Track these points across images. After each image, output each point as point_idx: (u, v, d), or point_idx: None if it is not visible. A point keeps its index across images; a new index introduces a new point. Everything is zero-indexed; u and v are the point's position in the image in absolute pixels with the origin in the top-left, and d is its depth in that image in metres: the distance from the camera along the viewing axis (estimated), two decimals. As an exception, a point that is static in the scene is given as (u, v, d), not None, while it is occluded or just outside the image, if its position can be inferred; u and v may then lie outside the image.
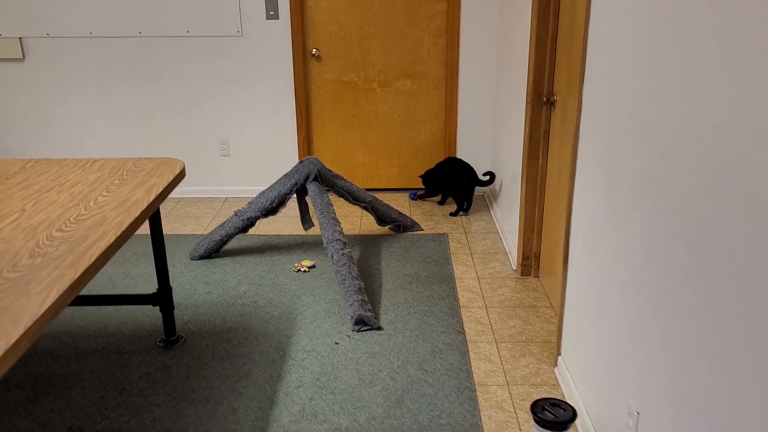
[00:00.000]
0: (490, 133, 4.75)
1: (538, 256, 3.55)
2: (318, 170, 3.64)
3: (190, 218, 4.51)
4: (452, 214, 4.49)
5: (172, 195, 4.94)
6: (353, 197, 3.86)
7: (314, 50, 4.63)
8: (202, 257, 3.81)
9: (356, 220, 4.44)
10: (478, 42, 4.55)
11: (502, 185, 4.33)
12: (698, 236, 1.48)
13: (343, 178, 3.84)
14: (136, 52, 4.59)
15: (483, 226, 4.32)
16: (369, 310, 3.11)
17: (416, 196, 4.79)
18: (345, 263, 3.24)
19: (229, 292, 3.43)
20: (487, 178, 4.48)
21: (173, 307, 2.95)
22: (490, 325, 3.11)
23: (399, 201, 4.80)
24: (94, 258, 1.91)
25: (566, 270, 2.64)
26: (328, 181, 3.72)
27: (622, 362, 2.00)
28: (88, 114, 4.75)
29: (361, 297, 3.13)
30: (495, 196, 4.59)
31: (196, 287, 3.50)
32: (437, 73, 4.69)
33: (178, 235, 4.19)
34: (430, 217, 4.47)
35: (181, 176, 2.71)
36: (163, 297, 2.92)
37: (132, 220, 2.19)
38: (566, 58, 2.98)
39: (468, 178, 4.42)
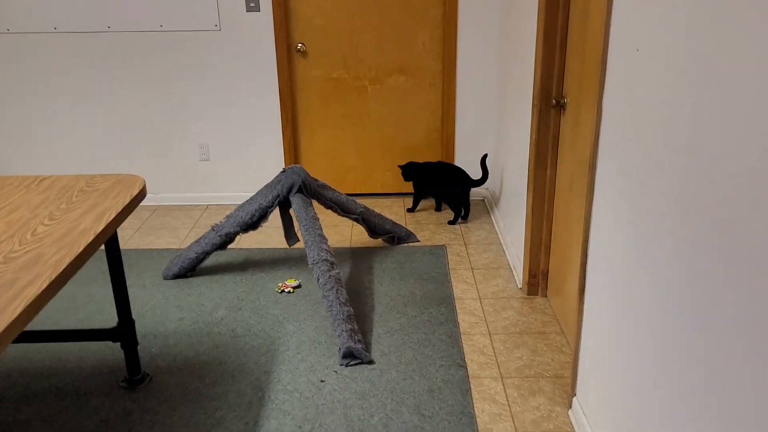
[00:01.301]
0: (491, 134, 4.40)
1: (546, 274, 3.21)
2: (302, 180, 3.29)
3: (166, 230, 4.16)
4: (451, 223, 4.15)
5: (147, 203, 4.58)
6: (342, 209, 3.52)
7: (299, 45, 4.26)
8: (176, 276, 3.47)
9: (346, 231, 4.09)
10: (477, 34, 4.19)
11: (502, 189, 3.99)
12: (744, 260, 1.15)
13: (330, 188, 3.50)
14: (105, 49, 4.22)
15: (484, 236, 3.98)
16: (359, 341, 2.78)
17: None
18: (332, 287, 2.89)
19: (205, 318, 3.09)
20: (482, 175, 4.12)
21: (137, 343, 2.61)
22: (495, 356, 2.78)
23: (393, 208, 4.45)
24: (18, 312, 1.57)
25: (583, 298, 2.31)
26: (313, 192, 3.37)
27: (648, 407, 1.67)
28: (52, 117, 4.38)
29: (350, 326, 2.80)
30: (495, 200, 4.25)
31: (167, 312, 3.15)
32: (433, 68, 4.34)
33: (151, 250, 3.84)
34: (426, 227, 4.12)
35: (140, 197, 2.36)
36: (124, 332, 2.57)
37: (73, 257, 1.84)
38: (579, 57, 2.63)
39: (462, 183, 4.07)
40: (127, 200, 2.26)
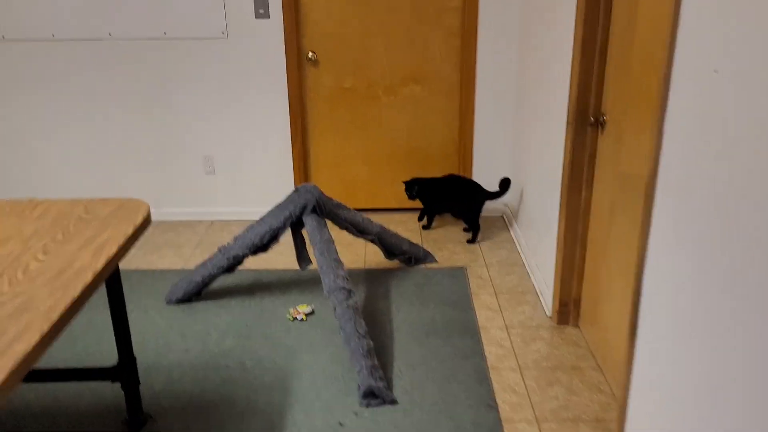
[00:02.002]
0: (511, 145, 4.19)
1: (579, 302, 3.00)
2: (317, 200, 3.07)
3: (170, 247, 3.94)
4: (470, 242, 3.93)
5: (152, 217, 4.35)
6: (358, 229, 3.30)
7: (310, 53, 4.05)
8: (180, 301, 3.25)
9: (359, 250, 3.87)
10: (499, 42, 3.97)
11: (524, 206, 3.78)
12: None
13: (345, 207, 3.28)
14: (105, 57, 4.00)
15: (505, 256, 3.76)
16: (380, 378, 2.56)
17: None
18: (350, 318, 2.68)
19: (211, 349, 2.87)
20: (499, 190, 3.90)
21: (138, 383, 2.39)
22: (528, 395, 2.56)
23: (407, 224, 4.23)
24: (4, 374, 1.35)
25: (634, 337, 2.09)
26: (328, 212, 3.15)
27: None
28: (49, 129, 4.17)
29: (370, 362, 2.58)
30: (515, 216, 4.04)
31: (171, 342, 2.93)
32: (450, 77, 4.12)
33: (154, 271, 3.62)
34: (444, 246, 3.90)
35: (144, 225, 2.14)
36: (125, 372, 2.35)
37: (68, 303, 1.62)
38: (622, 72, 2.41)
39: (477, 196, 3.85)
40: (130, 230, 2.04)
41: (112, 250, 1.91)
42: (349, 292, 2.79)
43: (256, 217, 4.34)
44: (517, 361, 2.77)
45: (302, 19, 3.99)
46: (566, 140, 2.80)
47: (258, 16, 3.92)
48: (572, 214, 2.86)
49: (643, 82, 2.21)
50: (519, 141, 3.95)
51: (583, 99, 2.68)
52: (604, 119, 2.61)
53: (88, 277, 1.75)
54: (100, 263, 1.83)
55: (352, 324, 2.66)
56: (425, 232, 4.09)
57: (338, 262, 2.91)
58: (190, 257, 3.80)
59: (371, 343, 2.66)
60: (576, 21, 2.64)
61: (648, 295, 1.97)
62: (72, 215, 2.16)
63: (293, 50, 3.99)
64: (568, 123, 2.77)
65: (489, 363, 2.76)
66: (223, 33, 3.96)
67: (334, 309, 2.73)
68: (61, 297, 1.65)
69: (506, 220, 4.26)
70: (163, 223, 4.31)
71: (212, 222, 4.32)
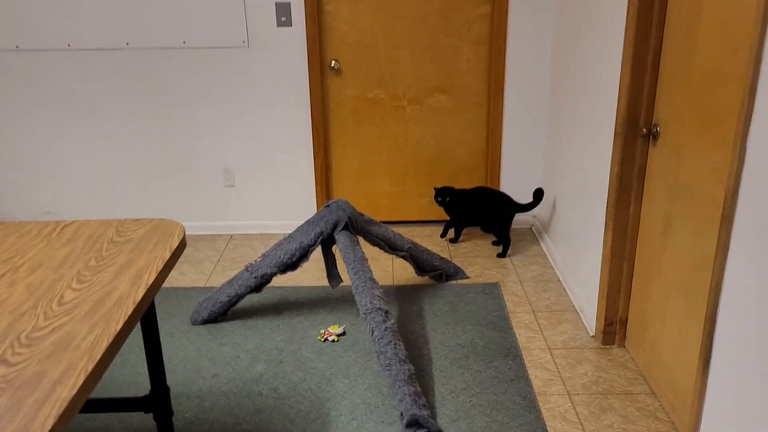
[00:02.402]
0: (541, 156, 4.06)
1: (625, 321, 2.86)
2: (349, 216, 2.94)
3: (190, 264, 3.80)
4: (500, 255, 3.80)
5: (167, 232, 4.22)
6: (390, 245, 3.17)
7: (333, 62, 3.92)
8: (206, 321, 3.11)
9: (386, 264, 3.74)
10: (529, 49, 3.85)
11: (557, 219, 3.65)
12: None
13: (376, 223, 3.15)
14: (122, 67, 3.88)
15: (539, 271, 3.62)
16: (423, 406, 2.42)
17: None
18: (389, 341, 2.54)
19: (242, 375, 2.73)
20: (531, 201, 3.76)
21: (171, 414, 2.25)
22: (581, 423, 2.42)
23: (433, 237, 4.10)
24: (49, 425, 1.22)
25: (707, 369, 1.95)
26: (360, 229, 3.02)
27: None
28: (66, 142, 4.04)
29: (412, 389, 2.44)
30: (545, 227, 3.91)
31: (199, 366, 2.79)
32: (478, 87, 3.99)
33: (176, 289, 3.48)
34: (474, 260, 3.77)
35: (180, 249, 2.01)
36: (157, 402, 2.21)
37: (111, 338, 1.49)
38: (679, 81, 2.28)
39: (510, 206, 3.72)
40: (167, 255, 1.91)
41: (150, 277, 1.77)
42: (387, 313, 2.66)
43: (277, 231, 4.21)
44: (565, 386, 2.63)
45: (325, 27, 3.87)
46: (614, 152, 2.67)
47: (280, 24, 3.80)
48: (620, 229, 2.72)
49: (707, 92, 2.08)
50: (551, 152, 3.82)
51: (634, 109, 2.55)
52: (657, 130, 2.48)
53: (129, 309, 1.62)
54: (140, 292, 1.69)
55: (392, 348, 2.53)
56: (453, 247, 3.96)
57: (373, 281, 2.78)
58: (211, 274, 3.66)
59: (412, 368, 2.52)
60: (626, 26, 2.51)
61: (724, 321, 1.84)
62: (103, 238, 2.03)
63: (316, 59, 3.86)
64: (616, 134, 2.64)
65: (535, 388, 2.63)
66: (244, 42, 3.84)
67: (371, 332, 2.59)
68: (103, 331, 1.52)
69: (536, 232, 4.13)
70: (181, 238, 4.18)
71: (231, 236, 4.19)
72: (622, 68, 2.56)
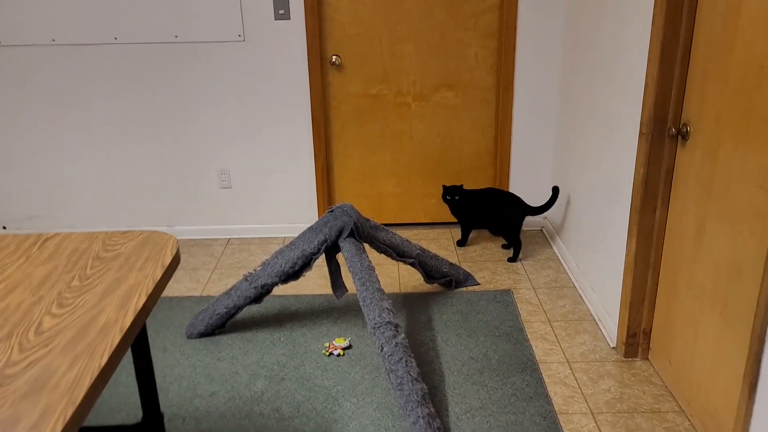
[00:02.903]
0: (552, 156, 3.88)
1: (649, 333, 2.69)
2: (355, 222, 2.76)
3: (185, 271, 3.61)
4: (511, 260, 3.62)
5: (161, 236, 4.03)
6: (397, 252, 2.99)
7: (334, 57, 3.73)
8: (202, 335, 2.93)
9: (392, 271, 3.56)
10: (541, 42, 3.66)
11: (570, 221, 3.48)
12: None
13: (383, 228, 2.97)
14: (111, 63, 3.68)
15: (552, 276, 3.45)
16: (439, 428, 2.24)
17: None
18: (400, 358, 2.36)
19: (241, 393, 2.55)
20: (548, 201, 3.59)
21: (166, 443, 2.07)
22: (607, 446, 2.25)
23: (440, 240, 3.92)
24: (19, 488, 1.04)
25: (752, 397, 1.78)
26: (366, 236, 2.84)
27: None
28: (51, 142, 3.84)
29: (426, 410, 2.26)
30: (557, 230, 3.73)
31: (196, 384, 2.61)
32: (486, 82, 3.81)
33: (170, 299, 3.30)
34: (484, 265, 3.59)
35: (174, 265, 1.83)
36: (151, 431, 2.03)
37: (95, 375, 1.31)
38: (714, 77, 2.10)
39: (521, 208, 3.54)
40: (159, 273, 1.72)
41: (140, 300, 1.59)
42: (397, 327, 2.48)
43: (276, 235, 4.03)
44: (587, 404, 2.46)
45: (326, 20, 3.67)
46: (639, 153, 2.49)
47: (278, 17, 3.61)
48: (645, 235, 2.55)
49: (749, 90, 1.90)
50: (564, 151, 3.64)
51: (662, 107, 2.37)
52: (687, 129, 2.30)
53: (115, 338, 1.43)
54: (128, 318, 1.51)
55: (404, 365, 2.35)
56: (461, 251, 3.78)
57: (381, 292, 2.60)
58: (207, 282, 3.47)
59: (425, 387, 2.35)
60: (654, 16, 2.33)
61: (776, 343, 1.66)
62: (89, 254, 1.84)
63: (316, 54, 3.67)
64: (641, 134, 2.46)
65: (556, 406, 2.45)
66: (239, 35, 3.64)
67: (381, 348, 2.41)
68: (86, 366, 1.33)
69: (547, 234, 3.95)
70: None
71: (228, 240, 4.00)
72: (649, 62, 2.38)
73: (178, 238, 4.03)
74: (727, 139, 2.05)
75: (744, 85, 1.94)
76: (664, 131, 2.40)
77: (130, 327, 1.48)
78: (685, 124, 2.32)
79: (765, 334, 1.71)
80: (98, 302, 1.58)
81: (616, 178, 2.78)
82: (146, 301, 1.60)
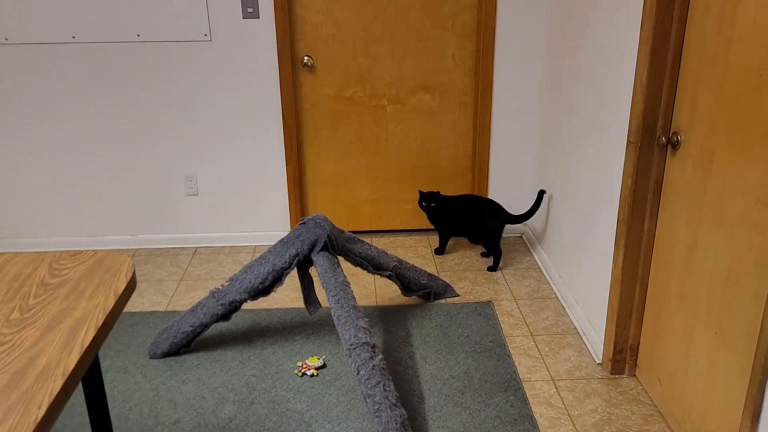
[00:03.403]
0: (533, 162, 3.76)
1: (636, 349, 2.58)
2: (328, 235, 2.60)
3: (149, 283, 3.43)
4: (491, 269, 3.50)
5: (124, 246, 3.84)
6: (373, 265, 2.84)
7: (306, 58, 3.56)
8: (166, 354, 2.75)
9: (368, 282, 3.41)
10: (521, 43, 3.54)
11: (551, 229, 3.37)
12: None
13: (358, 240, 2.82)
14: (68, 64, 3.47)
15: (534, 287, 3.33)
16: (419, 458, 2.11)
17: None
18: (378, 382, 2.21)
19: (208, 419, 2.38)
20: (525, 212, 3.48)
21: (123, 483, 1.90)
22: (597, 473, 2.13)
23: (417, 248, 3.78)
24: None
25: (755, 428, 1.67)
26: (341, 249, 2.69)
27: None
28: (3, 148, 3.61)
29: (407, 438, 2.12)
30: (538, 237, 3.62)
31: (158, 410, 2.44)
32: (464, 84, 3.68)
33: (132, 314, 3.11)
34: (463, 275, 3.46)
35: (129, 291, 1.65)
36: (106, 471, 1.86)
37: (34, 425, 1.14)
38: (708, 83, 1.99)
39: (501, 216, 3.42)
40: (111, 302, 1.55)
41: (88, 336, 1.42)
42: (373, 348, 2.33)
43: (246, 243, 3.85)
44: (575, 426, 2.34)
45: (297, 19, 3.50)
46: (627, 162, 2.37)
47: (246, 15, 3.43)
48: (633, 246, 2.44)
49: (748, 98, 1.79)
50: (545, 157, 3.53)
51: (651, 114, 2.26)
52: (678, 138, 2.19)
53: (56, 384, 1.26)
54: (71, 359, 1.34)
55: (381, 389, 2.20)
56: (439, 259, 3.64)
57: (357, 309, 2.45)
58: (173, 295, 3.29)
59: (404, 413, 2.20)
60: (643, 19, 2.21)
61: (781, 372, 1.55)
62: (33, 279, 1.66)
63: (286, 54, 3.50)
64: (629, 142, 2.35)
65: (542, 429, 2.33)
66: (205, 35, 3.46)
67: (357, 371, 2.27)
68: (20, 420, 1.16)
69: (527, 241, 3.84)
70: (140, 251, 3.79)
71: (196, 249, 3.81)
72: (637, 68, 2.27)
73: (143, 247, 3.84)
74: (723, 150, 1.93)
75: (742, 94, 1.82)
76: (654, 140, 2.29)
77: (74, 370, 1.31)
78: (675, 133, 2.21)
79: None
80: (39, 340, 1.40)
81: (602, 187, 2.67)
82: (95, 337, 1.43)
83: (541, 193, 3.43)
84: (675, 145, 2.22)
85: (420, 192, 3.52)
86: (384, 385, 2.22)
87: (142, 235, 3.82)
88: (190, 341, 2.74)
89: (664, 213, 2.33)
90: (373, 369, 2.25)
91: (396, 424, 2.14)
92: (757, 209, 1.77)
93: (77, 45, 3.44)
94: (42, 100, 3.53)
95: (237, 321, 3.02)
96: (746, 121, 1.81)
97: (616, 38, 2.49)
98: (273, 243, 3.87)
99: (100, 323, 1.46)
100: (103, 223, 3.78)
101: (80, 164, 3.66)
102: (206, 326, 2.69)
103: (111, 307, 1.53)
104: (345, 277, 2.56)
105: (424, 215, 3.92)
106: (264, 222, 3.82)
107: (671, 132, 2.25)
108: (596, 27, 2.70)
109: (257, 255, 3.72)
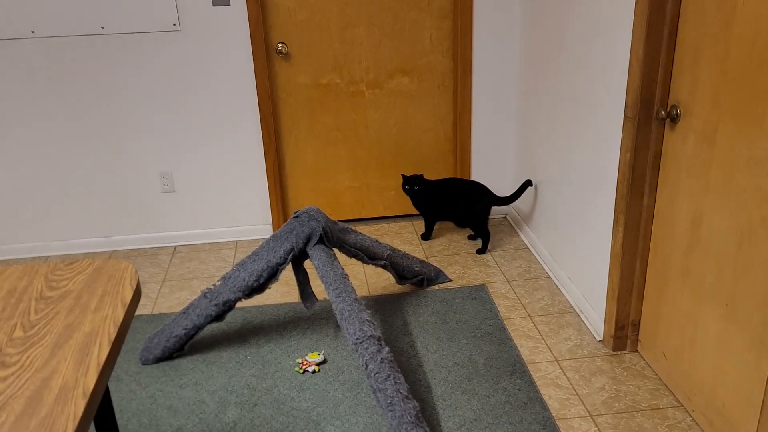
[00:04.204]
0: (515, 142, 3.73)
1: (638, 324, 2.58)
2: (323, 227, 2.53)
3: (130, 286, 3.29)
4: (480, 252, 3.47)
5: (99, 249, 3.68)
6: (368, 255, 2.78)
7: (280, 45, 3.45)
8: (159, 360, 2.65)
9: (358, 272, 3.35)
10: (499, 23, 3.49)
11: (538, 206, 3.35)
12: None
13: (352, 230, 2.75)
14: (28, 60, 3.29)
15: (525, 267, 3.31)
16: (437, 449, 2.07)
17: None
18: (388, 375, 2.16)
19: (211, 425, 2.30)
20: (513, 192, 3.46)
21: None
22: (613, 451, 2.13)
23: (403, 235, 3.73)
24: None
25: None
26: (336, 240, 2.61)
27: None
28: (-30, 148, 3.42)
29: (423, 430, 2.08)
30: (525, 218, 3.61)
31: (158, 418, 2.34)
32: (443, 66, 3.62)
33: (117, 319, 2.98)
34: (453, 259, 3.43)
35: (136, 300, 1.56)
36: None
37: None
38: (709, 54, 1.98)
39: (486, 197, 3.39)
40: (120, 314, 1.46)
41: (102, 352, 1.32)
42: (380, 340, 2.27)
43: (228, 239, 3.74)
44: (585, 406, 2.33)
45: (269, 5, 3.39)
46: (625, 137, 2.36)
47: (216, 3, 3.30)
48: (633, 223, 2.43)
49: (755, 70, 1.77)
50: (529, 137, 3.50)
51: (648, 88, 2.24)
52: (677, 112, 2.18)
53: (78, 407, 1.17)
54: (90, 378, 1.25)
55: (392, 383, 2.15)
56: (426, 245, 3.60)
57: (359, 302, 2.39)
58: (157, 298, 3.17)
59: (417, 405, 2.16)
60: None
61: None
62: (30, 293, 1.55)
63: (260, 43, 3.38)
64: (626, 117, 2.33)
65: (553, 411, 2.31)
66: (174, 25, 3.31)
67: (365, 365, 2.21)
68: (43, 453, 1.07)
69: (512, 222, 3.82)
70: (116, 253, 3.65)
71: (175, 248, 3.69)
72: (633, 42, 2.24)
73: (119, 248, 3.69)
74: (728, 122, 1.92)
75: (750, 65, 1.81)
76: (651, 114, 2.27)
77: (94, 389, 1.22)
78: (674, 107, 2.20)
79: (794, 332, 1.60)
80: (50, 358, 1.31)
81: (597, 164, 2.65)
82: (110, 352, 1.33)
83: (527, 183, 3.40)
84: (674, 119, 2.20)
85: (403, 176, 3.47)
86: (394, 377, 2.17)
87: (117, 236, 3.68)
88: (184, 344, 2.64)
89: (664, 187, 2.32)
90: (381, 362, 2.20)
91: (410, 416, 2.09)
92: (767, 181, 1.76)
93: (37, 40, 3.26)
94: (1, 100, 3.34)
95: (228, 320, 2.93)
96: (754, 92, 1.79)
97: (607, 13, 2.46)
98: (255, 237, 3.77)
99: (113, 337, 1.37)
100: (74, 226, 3.62)
101: (46, 166, 3.49)
102: (200, 328, 2.60)
103: (121, 319, 1.43)
104: (343, 269, 2.49)
105: (408, 201, 3.87)
106: (244, 216, 3.72)
107: (669, 106, 2.24)
108: (586, 2, 2.67)
109: (239, 250, 3.62)
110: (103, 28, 3.28)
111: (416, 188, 3.43)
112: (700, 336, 2.16)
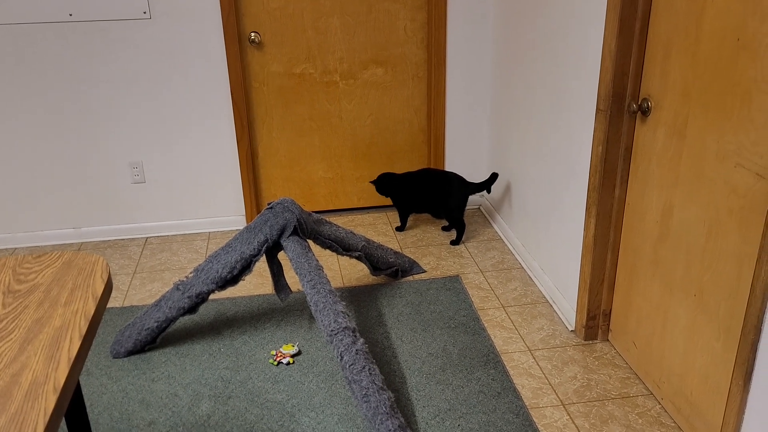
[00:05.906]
0: (489, 133, 3.75)
1: (608, 315, 2.62)
2: (297, 219, 2.51)
3: (101, 278, 3.24)
4: (454, 243, 3.49)
5: (68, 240, 3.62)
6: (343, 247, 2.77)
7: (253, 34, 3.42)
8: (131, 353, 2.62)
9: (332, 262, 3.34)
10: (474, 15, 3.50)
11: (511, 197, 3.38)
12: None
13: (326, 222, 2.74)
14: (-5, 47, 3.21)
15: (498, 258, 3.34)
16: (411, 440, 2.08)
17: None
18: (363, 367, 2.16)
19: (185, 418, 2.28)
20: (486, 179, 3.49)
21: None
22: (585, 439, 2.16)
23: (377, 226, 3.73)
24: None
25: (746, 388, 1.71)
26: (310, 232, 2.60)
27: None
28: (-68, 137, 3.33)
29: (397, 422, 2.09)
30: (497, 208, 3.63)
31: (129, 413, 2.31)
32: (417, 57, 3.61)
33: (87, 312, 2.93)
34: (427, 250, 3.44)
35: (107, 294, 1.53)
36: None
37: (30, 459, 1.04)
38: (679, 49, 2.00)
39: (463, 187, 3.40)
40: (92, 307, 1.43)
41: (73, 346, 1.30)
42: (354, 332, 2.28)
43: (200, 230, 3.71)
44: (557, 395, 2.36)
45: (242, -7, 3.35)
46: (596, 130, 2.38)
47: (188, -9, 3.25)
48: (604, 216, 2.46)
49: (724, 64, 1.80)
50: (503, 129, 3.52)
51: (620, 82, 2.26)
52: (648, 105, 2.21)
53: (49, 402, 1.15)
54: (61, 373, 1.23)
55: (367, 374, 2.16)
56: (401, 236, 3.60)
57: (334, 294, 2.38)
58: (128, 290, 3.13)
59: (392, 395, 2.17)
60: (611, -11, 2.20)
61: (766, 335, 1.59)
62: (-2, 287, 1.52)
63: (233, 31, 3.34)
64: (599, 110, 2.35)
65: (526, 400, 2.34)
66: (144, 12, 3.26)
67: (340, 357, 2.21)
68: (14, 450, 1.05)
69: (485, 212, 3.84)
70: (86, 245, 3.59)
71: (146, 239, 3.64)
72: (605, 36, 2.26)
73: (88, 240, 3.63)
74: (698, 115, 1.95)
75: (719, 59, 1.84)
76: (623, 107, 2.30)
77: (65, 384, 1.20)
78: (645, 100, 2.22)
79: (761, 322, 1.64)
80: (18, 354, 1.28)
81: (569, 157, 2.68)
82: (81, 346, 1.31)
83: (494, 175, 3.42)
84: (645, 112, 2.23)
85: (371, 182, 3.50)
86: (369, 369, 2.17)
87: (86, 227, 3.62)
88: (156, 337, 2.61)
89: (635, 179, 2.35)
90: (356, 354, 2.20)
91: (385, 407, 2.10)
92: (738, 173, 1.79)
93: (1, 27, 3.17)
94: (-34, 88, 3.26)
95: (201, 312, 2.91)
96: (723, 86, 1.82)
97: (581, 7, 2.48)
98: (228, 229, 3.73)
99: (84, 331, 1.35)
100: (42, 217, 3.55)
101: (12, 155, 3.41)
102: (172, 321, 2.57)
103: (92, 313, 1.41)
104: (317, 260, 2.49)
105: (382, 192, 3.87)
106: (217, 207, 3.68)
107: (641, 99, 2.26)
108: (556, -5, 2.68)
109: (212, 242, 3.59)
110: (71, 15, 3.21)
111: (391, 188, 3.47)
112: (670, 325, 2.20)
